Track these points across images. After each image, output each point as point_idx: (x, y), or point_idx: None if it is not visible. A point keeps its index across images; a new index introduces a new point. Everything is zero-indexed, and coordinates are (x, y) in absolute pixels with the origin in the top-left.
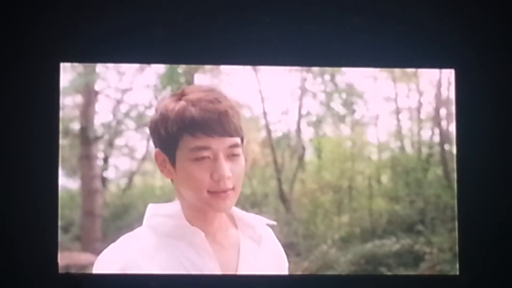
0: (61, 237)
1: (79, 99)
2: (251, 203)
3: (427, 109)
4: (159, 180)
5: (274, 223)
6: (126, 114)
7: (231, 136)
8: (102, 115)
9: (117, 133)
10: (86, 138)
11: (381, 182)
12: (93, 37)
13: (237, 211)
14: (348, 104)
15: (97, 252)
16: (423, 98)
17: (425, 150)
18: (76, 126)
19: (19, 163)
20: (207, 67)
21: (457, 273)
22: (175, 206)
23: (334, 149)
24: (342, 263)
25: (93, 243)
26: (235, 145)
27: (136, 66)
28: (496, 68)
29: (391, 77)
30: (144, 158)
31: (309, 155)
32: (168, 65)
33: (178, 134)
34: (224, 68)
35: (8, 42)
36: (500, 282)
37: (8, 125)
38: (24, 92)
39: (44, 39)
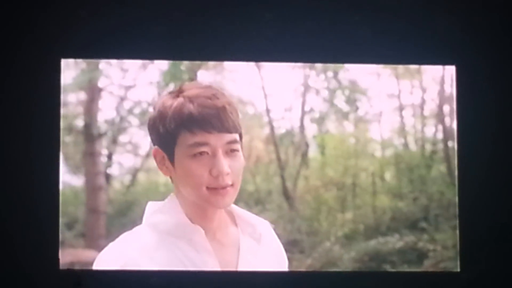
0: (65, 234)
1: (82, 96)
2: (255, 200)
3: (431, 106)
4: (163, 176)
5: (273, 226)
6: (130, 111)
7: (230, 132)
8: (105, 112)
9: (121, 130)
10: (89, 135)
11: (384, 179)
12: (94, 33)
13: (236, 209)
14: (351, 101)
15: (101, 249)
16: (426, 94)
17: (428, 147)
18: (79, 123)
19: (20, 160)
20: (210, 64)
21: (458, 270)
22: (174, 204)
23: (338, 146)
24: (346, 260)
25: (97, 240)
26: (234, 141)
27: (139, 63)
28: (497, 65)
29: (394, 74)
30: (148, 155)
31: (313, 152)
32: (171, 62)
33: (176, 130)
34: (227, 65)
35: (8, 38)
36: (501, 279)
37: (9, 122)
38: (25, 88)
39: (45, 35)
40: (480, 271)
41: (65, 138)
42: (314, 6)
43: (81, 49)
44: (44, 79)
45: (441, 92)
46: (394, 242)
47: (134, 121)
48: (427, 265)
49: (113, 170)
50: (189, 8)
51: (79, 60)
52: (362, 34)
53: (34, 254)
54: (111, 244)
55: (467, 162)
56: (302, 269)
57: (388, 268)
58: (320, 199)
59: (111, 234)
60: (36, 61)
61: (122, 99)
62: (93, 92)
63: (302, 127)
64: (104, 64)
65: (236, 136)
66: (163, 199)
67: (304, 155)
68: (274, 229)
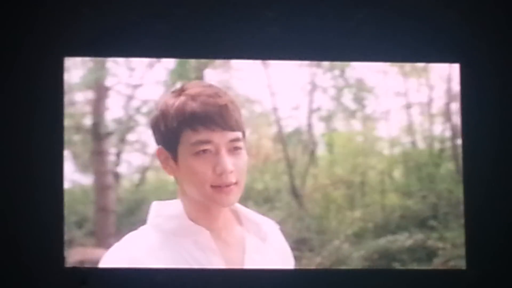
0: (74, 232)
1: (90, 95)
2: (264, 199)
3: (438, 104)
4: None
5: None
6: (137, 110)
7: (232, 130)
8: (113, 110)
9: (129, 128)
10: (98, 133)
11: (393, 177)
12: (98, 31)
13: (241, 208)
14: (358, 99)
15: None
16: (434, 92)
17: (436, 145)
18: (87, 122)
19: (23, 158)
20: (217, 62)
21: (464, 267)
22: (179, 204)
23: (346, 144)
24: (355, 258)
25: (107, 239)
26: (237, 139)
27: (146, 61)
28: (501, 63)
29: (401, 72)
30: None
31: (321, 150)
32: (178, 61)
33: (179, 129)
34: (234, 63)
35: (11, 36)
36: (508, 277)
37: (13, 120)
38: (28, 86)
39: (47, 34)
40: (486, 269)
41: (73, 137)
42: (320, 4)
43: (84, 47)
44: (47, 77)
45: (448, 90)
46: (403, 240)
47: (142, 120)
48: (436, 263)
49: (122, 169)
50: (196, 6)
51: (86, 59)
52: (368, 32)
53: (39, 252)
54: (116, 245)
55: (473, 160)
56: (312, 267)
57: (397, 266)
58: (328, 197)
59: (121, 233)
60: (39, 59)
61: (130, 98)
62: (101, 91)
63: (309, 125)
64: (111, 63)
65: (239, 134)
66: (172, 198)
67: (312, 153)
68: (280, 229)
